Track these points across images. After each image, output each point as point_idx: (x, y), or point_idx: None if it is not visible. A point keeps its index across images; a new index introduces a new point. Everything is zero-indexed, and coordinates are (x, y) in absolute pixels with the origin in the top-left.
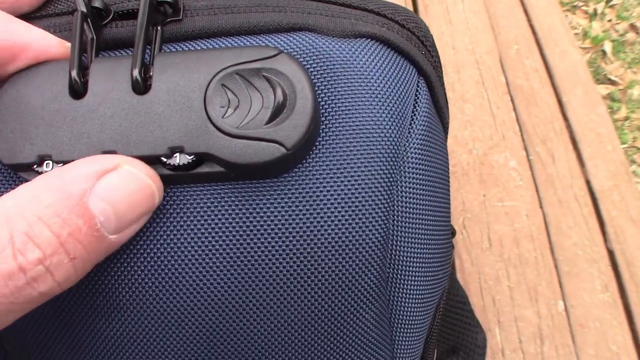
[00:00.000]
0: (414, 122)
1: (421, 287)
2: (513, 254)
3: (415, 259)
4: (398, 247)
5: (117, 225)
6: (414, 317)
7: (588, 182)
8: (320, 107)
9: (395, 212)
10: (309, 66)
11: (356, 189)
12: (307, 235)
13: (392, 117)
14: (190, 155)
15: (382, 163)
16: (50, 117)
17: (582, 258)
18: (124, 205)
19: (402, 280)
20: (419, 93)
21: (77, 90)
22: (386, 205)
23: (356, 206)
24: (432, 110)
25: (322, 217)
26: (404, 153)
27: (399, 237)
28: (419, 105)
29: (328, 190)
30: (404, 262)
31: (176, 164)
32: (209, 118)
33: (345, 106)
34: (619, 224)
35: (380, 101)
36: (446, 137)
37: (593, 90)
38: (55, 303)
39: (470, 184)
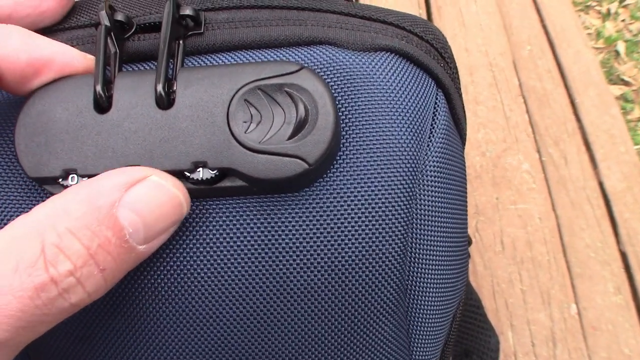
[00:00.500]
0: (433, 136)
1: (439, 298)
2: (526, 257)
3: (433, 270)
4: (417, 259)
5: (146, 236)
6: (431, 327)
7: (601, 184)
8: (341, 121)
9: (414, 224)
10: (329, 80)
11: (376, 203)
12: (327, 248)
13: (411, 130)
14: (213, 170)
15: (401, 177)
16: (76, 131)
17: (595, 260)
18: (152, 216)
19: (420, 291)
20: (438, 106)
21: (102, 105)
22: (405, 218)
23: (376, 220)
24: (451, 123)
25: (342, 231)
26: (423, 166)
27: (417, 249)
28: (437, 119)
29: (349, 205)
30: (423, 274)
31: (199, 179)
32: (231, 133)
33: (365, 120)
34: (632, 226)
35: (399, 115)
36: (463, 147)
37: (606, 91)
38: (80, 313)
39: (483, 187)
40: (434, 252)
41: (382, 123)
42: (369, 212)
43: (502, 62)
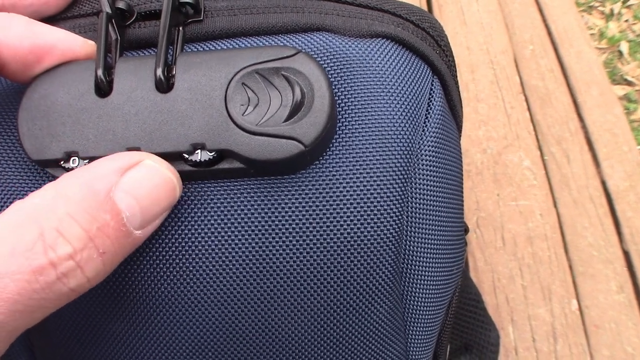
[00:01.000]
0: (428, 120)
1: (434, 282)
2: (527, 253)
3: (428, 254)
4: (412, 242)
5: (142, 219)
6: (427, 312)
7: (603, 183)
8: (337, 106)
9: (409, 207)
10: (325, 65)
11: (371, 185)
12: (323, 230)
13: (406, 115)
14: (211, 152)
15: (396, 160)
16: (77, 114)
17: (598, 259)
18: (148, 199)
19: (415, 275)
20: (433, 92)
21: (103, 89)
22: (401, 201)
23: (371, 202)
24: (446, 109)
25: (338, 213)
26: (418, 150)
27: (413, 232)
28: (433, 104)
29: (344, 187)
30: (418, 257)
31: (197, 160)
32: (229, 116)
33: (361, 104)
34: (635, 225)
35: (395, 100)
36: (460, 135)
37: (609, 91)
38: (79, 299)
39: (484, 183)
40: (430, 235)
41: (378, 107)
42: (364, 194)
43: (504, 60)
